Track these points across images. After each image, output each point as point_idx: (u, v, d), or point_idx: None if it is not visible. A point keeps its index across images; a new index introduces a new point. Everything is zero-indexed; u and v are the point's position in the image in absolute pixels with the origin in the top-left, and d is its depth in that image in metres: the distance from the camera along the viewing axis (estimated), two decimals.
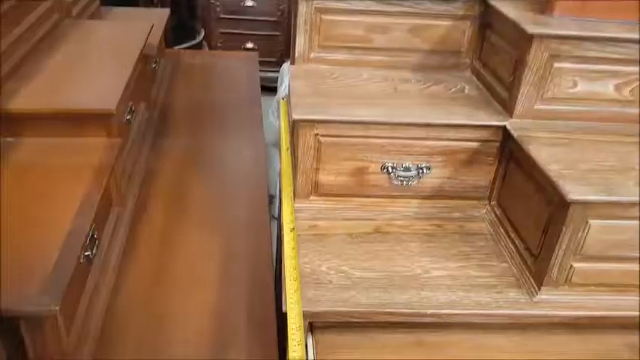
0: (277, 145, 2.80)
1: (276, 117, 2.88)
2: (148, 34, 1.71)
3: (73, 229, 1.03)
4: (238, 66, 2.49)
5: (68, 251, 0.98)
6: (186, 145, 1.82)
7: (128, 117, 1.52)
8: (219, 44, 3.66)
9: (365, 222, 1.21)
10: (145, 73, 1.81)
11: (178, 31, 3.30)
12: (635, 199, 0.93)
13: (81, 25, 1.73)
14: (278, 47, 3.68)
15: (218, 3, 3.56)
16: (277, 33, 3.67)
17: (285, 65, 3.12)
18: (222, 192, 1.62)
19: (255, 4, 3.58)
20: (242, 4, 3.58)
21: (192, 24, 3.53)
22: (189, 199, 1.56)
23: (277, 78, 3.13)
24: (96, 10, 2.07)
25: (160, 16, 2.15)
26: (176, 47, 3.09)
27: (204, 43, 3.55)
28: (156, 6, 3.06)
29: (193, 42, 3.36)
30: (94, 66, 1.48)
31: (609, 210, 0.94)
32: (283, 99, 1.77)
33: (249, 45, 3.66)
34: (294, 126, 1.16)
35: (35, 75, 1.37)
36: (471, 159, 1.19)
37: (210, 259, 1.34)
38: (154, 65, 2.01)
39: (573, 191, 0.92)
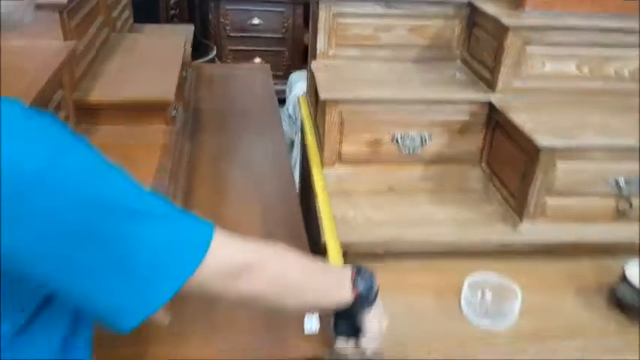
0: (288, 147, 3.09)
1: (287, 124, 3.17)
2: (185, 44, 2.00)
3: None
4: (254, 76, 2.78)
5: None
6: (218, 141, 2.09)
7: (174, 113, 1.81)
8: (229, 60, 3.96)
9: (380, 183, 1.48)
10: (181, 79, 2.09)
11: (193, 48, 3.60)
12: (591, 143, 1.21)
13: (126, 38, 2.02)
14: (284, 62, 3.99)
15: (227, 22, 3.87)
16: (283, 49, 3.98)
17: (294, 75, 3.42)
18: (254, 177, 1.89)
19: (262, 22, 3.89)
20: (249, 22, 3.88)
21: (205, 42, 3.84)
22: (226, 181, 1.83)
23: (284, 90, 3.43)
24: (132, 26, 2.37)
25: (187, 30, 2.44)
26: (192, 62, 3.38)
27: (216, 59, 3.85)
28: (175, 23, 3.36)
29: (207, 58, 3.65)
30: (147, 68, 1.76)
31: (572, 154, 1.22)
32: (302, 96, 2.06)
33: (257, 60, 3.96)
34: (322, 106, 1.44)
35: (101, 75, 1.65)
36: (464, 129, 1.47)
37: (251, 225, 1.61)
38: (184, 73, 2.29)
39: (543, 140, 1.21)
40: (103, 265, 0.62)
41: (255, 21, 3.89)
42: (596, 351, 1.11)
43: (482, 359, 1.07)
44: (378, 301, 0.94)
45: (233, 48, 3.94)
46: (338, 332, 0.97)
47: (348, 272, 0.91)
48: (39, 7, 1.41)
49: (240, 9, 3.88)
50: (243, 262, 0.74)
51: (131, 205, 0.63)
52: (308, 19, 3.87)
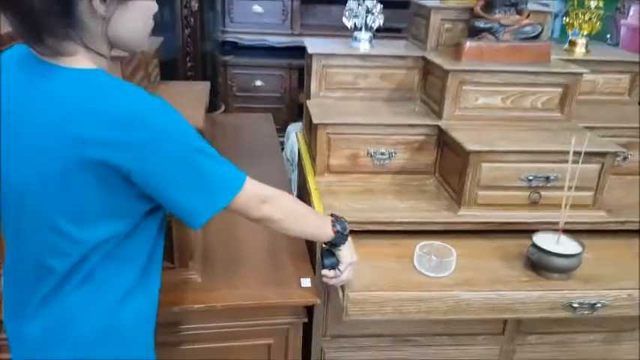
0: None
1: (285, 165, 3.67)
2: (208, 92, 2.53)
3: None
4: (259, 123, 3.31)
5: None
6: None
7: None
8: None
9: (359, 186, 1.96)
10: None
11: None
12: (507, 149, 1.71)
13: (160, 87, 2.55)
14: (282, 117, 4.53)
15: (234, 84, 4.45)
16: (281, 106, 4.54)
17: (290, 127, 3.97)
18: None
19: (263, 84, 4.47)
20: (252, 84, 4.47)
21: (214, 100, 4.40)
22: None
23: (282, 141, 3.95)
24: (160, 81, 2.90)
25: (205, 85, 2.98)
26: None
27: None
28: None
29: (216, 113, 4.20)
30: (179, 106, 2.27)
31: (493, 156, 1.71)
32: (299, 132, 2.57)
33: None
34: (315, 129, 1.94)
35: None
36: (421, 146, 1.97)
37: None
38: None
39: (471, 147, 1.70)
40: (190, 184, 1.09)
41: (258, 83, 4.47)
42: (511, 292, 1.56)
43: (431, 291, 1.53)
44: (350, 240, 1.41)
45: (238, 105, 4.51)
46: (324, 264, 1.43)
47: (329, 217, 1.38)
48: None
49: (245, 73, 4.49)
50: (267, 194, 1.21)
51: (206, 149, 1.11)
52: (302, 82, 4.47)
